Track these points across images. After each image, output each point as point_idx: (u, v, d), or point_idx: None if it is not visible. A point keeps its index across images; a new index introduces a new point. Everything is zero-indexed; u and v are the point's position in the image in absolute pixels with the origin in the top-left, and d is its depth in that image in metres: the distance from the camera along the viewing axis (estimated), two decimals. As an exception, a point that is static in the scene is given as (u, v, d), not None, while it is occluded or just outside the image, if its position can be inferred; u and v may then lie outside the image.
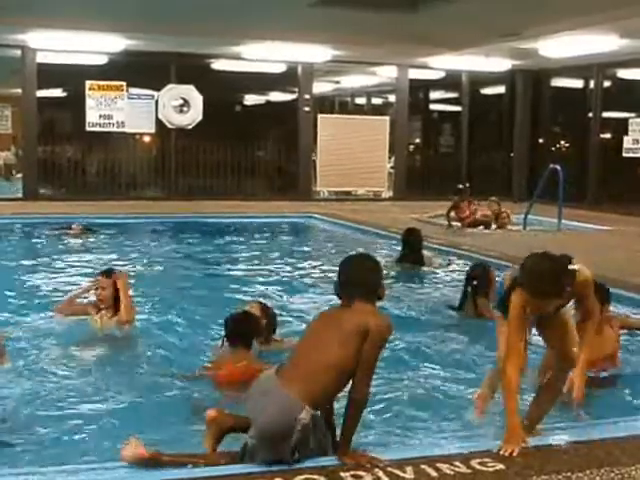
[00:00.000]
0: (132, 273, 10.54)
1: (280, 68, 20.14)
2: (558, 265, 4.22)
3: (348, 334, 3.97)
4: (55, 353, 6.54)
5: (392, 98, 22.25)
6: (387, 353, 6.75)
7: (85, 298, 7.54)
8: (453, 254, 11.93)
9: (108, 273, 7.17)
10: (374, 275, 4.24)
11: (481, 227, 14.76)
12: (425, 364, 6.54)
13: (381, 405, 5.47)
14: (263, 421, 3.93)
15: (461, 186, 15.61)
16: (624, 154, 18.24)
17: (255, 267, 11.28)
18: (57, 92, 19.99)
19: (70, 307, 7.36)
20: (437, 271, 10.88)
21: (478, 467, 3.86)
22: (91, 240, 13.40)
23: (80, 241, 13.21)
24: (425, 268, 10.81)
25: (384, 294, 4.24)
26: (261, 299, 7.29)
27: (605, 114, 19.55)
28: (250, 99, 22.15)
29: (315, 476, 3.74)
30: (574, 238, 12.76)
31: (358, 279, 4.16)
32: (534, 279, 4.18)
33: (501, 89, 22.20)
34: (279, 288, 9.64)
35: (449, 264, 11.48)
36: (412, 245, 10.80)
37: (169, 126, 18.90)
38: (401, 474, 3.76)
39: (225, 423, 4.31)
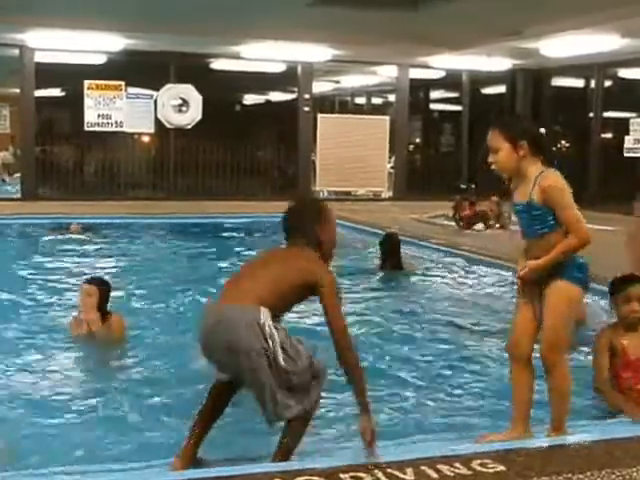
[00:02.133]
0: (131, 273, 10.58)
1: (280, 68, 20.09)
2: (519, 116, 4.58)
3: (292, 269, 4.11)
4: (53, 353, 6.51)
5: (392, 98, 22.23)
6: (388, 353, 6.81)
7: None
8: (452, 254, 11.88)
9: (95, 281, 6.91)
10: (308, 213, 4.38)
11: (480, 225, 14.51)
12: (426, 365, 6.50)
13: (381, 405, 5.42)
14: (232, 342, 3.91)
15: (464, 186, 15.45)
16: (625, 154, 18.18)
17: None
18: (55, 92, 19.98)
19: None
20: (419, 275, 10.75)
21: (479, 468, 3.83)
22: (89, 240, 13.35)
23: (78, 241, 13.16)
24: (406, 272, 10.65)
25: (327, 238, 4.32)
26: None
27: (606, 114, 19.51)
28: (250, 99, 22.13)
29: (315, 477, 3.70)
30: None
31: (294, 218, 4.37)
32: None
33: (501, 89, 22.12)
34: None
35: (433, 267, 11.39)
36: (390, 249, 10.61)
37: (168, 126, 18.83)
38: (401, 475, 3.73)
39: (194, 452, 4.21)
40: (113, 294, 9.09)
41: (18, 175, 20.91)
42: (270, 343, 3.89)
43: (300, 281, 4.08)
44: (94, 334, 6.63)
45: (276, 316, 4.02)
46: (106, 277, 7.58)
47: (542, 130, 4.38)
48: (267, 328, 3.90)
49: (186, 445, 4.18)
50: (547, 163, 4.38)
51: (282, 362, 3.92)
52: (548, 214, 4.32)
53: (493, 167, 4.46)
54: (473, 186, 16.03)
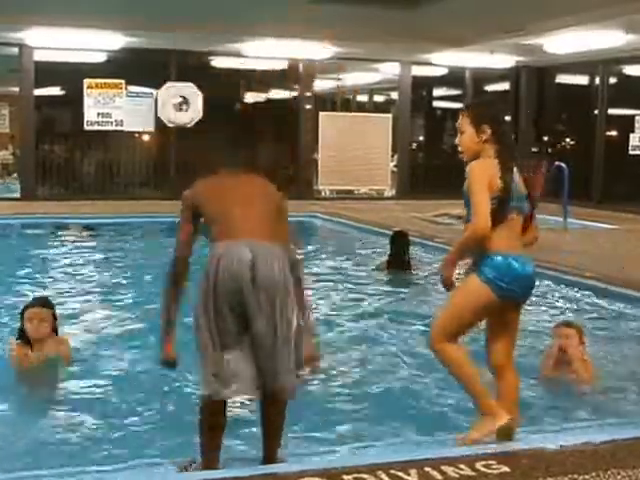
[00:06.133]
0: (130, 273, 10.51)
1: (281, 65, 20.04)
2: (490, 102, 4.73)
3: (277, 211, 4.16)
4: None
5: (395, 95, 22.14)
6: (390, 352, 6.74)
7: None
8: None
9: (45, 304, 6.05)
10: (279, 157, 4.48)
11: None
12: (428, 365, 6.40)
13: (385, 406, 5.41)
14: (269, 279, 3.87)
15: None
16: (630, 152, 18.11)
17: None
18: (55, 90, 19.85)
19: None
20: (424, 274, 10.63)
21: (483, 469, 3.77)
22: (89, 240, 13.30)
23: (78, 241, 13.11)
24: (413, 272, 10.53)
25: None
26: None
27: (611, 111, 19.41)
28: (251, 97, 22.03)
29: (317, 478, 3.63)
30: (582, 237, 12.62)
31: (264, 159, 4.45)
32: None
33: (505, 86, 22.05)
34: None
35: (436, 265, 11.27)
36: (398, 248, 10.49)
37: (168, 124, 18.75)
38: (405, 476, 3.67)
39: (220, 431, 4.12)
40: (115, 293, 9.14)
41: (15, 175, 20.96)
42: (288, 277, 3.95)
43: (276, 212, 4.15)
44: (46, 359, 5.89)
45: None
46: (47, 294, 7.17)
47: (506, 118, 4.37)
48: (289, 264, 3.98)
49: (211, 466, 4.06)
50: (501, 153, 4.32)
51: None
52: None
53: (459, 149, 4.48)
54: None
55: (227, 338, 3.87)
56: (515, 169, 4.37)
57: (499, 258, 4.26)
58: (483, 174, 4.24)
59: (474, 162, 4.31)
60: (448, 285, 4.39)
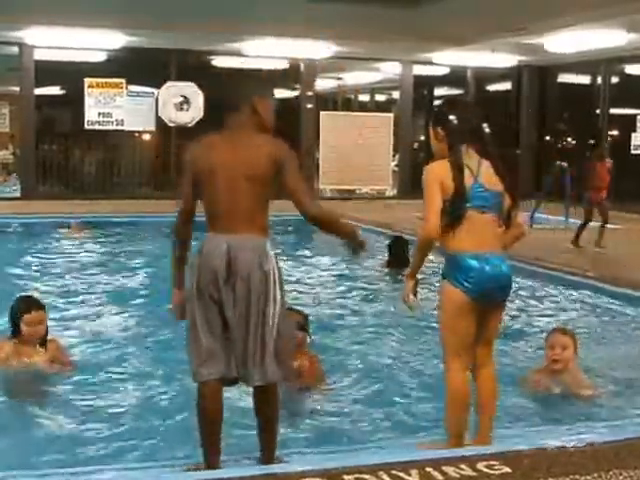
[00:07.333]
0: (130, 273, 10.48)
1: (282, 65, 20.01)
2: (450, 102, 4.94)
3: (259, 169, 4.05)
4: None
5: (396, 95, 22.11)
6: (389, 352, 6.72)
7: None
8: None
9: (40, 304, 5.85)
10: (245, 84, 4.55)
11: None
12: (428, 365, 6.39)
13: (386, 406, 5.39)
14: (245, 275, 3.95)
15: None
16: (632, 151, 18.07)
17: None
18: (55, 90, 19.88)
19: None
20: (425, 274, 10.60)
21: (484, 470, 3.74)
22: (89, 239, 13.28)
23: (78, 240, 13.08)
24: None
25: (267, 105, 4.33)
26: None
27: (613, 110, 19.37)
28: (252, 96, 22.01)
29: (318, 479, 3.62)
30: (583, 236, 12.57)
31: (230, 89, 4.46)
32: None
33: (507, 85, 22.05)
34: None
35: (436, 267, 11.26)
36: (397, 251, 10.55)
37: (169, 124, 18.72)
38: (406, 477, 3.65)
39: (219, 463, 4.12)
40: (115, 292, 9.12)
41: (16, 175, 20.93)
42: (275, 274, 4.03)
43: (271, 175, 4.09)
44: (35, 365, 5.72)
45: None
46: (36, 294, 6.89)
47: (452, 117, 4.36)
48: (273, 257, 4.04)
49: (212, 462, 4.06)
50: (451, 153, 4.31)
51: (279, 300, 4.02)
52: None
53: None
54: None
55: (208, 324, 4.02)
56: (488, 164, 4.32)
57: (463, 259, 4.24)
58: (432, 177, 4.26)
59: (428, 165, 4.35)
60: (405, 298, 4.48)
